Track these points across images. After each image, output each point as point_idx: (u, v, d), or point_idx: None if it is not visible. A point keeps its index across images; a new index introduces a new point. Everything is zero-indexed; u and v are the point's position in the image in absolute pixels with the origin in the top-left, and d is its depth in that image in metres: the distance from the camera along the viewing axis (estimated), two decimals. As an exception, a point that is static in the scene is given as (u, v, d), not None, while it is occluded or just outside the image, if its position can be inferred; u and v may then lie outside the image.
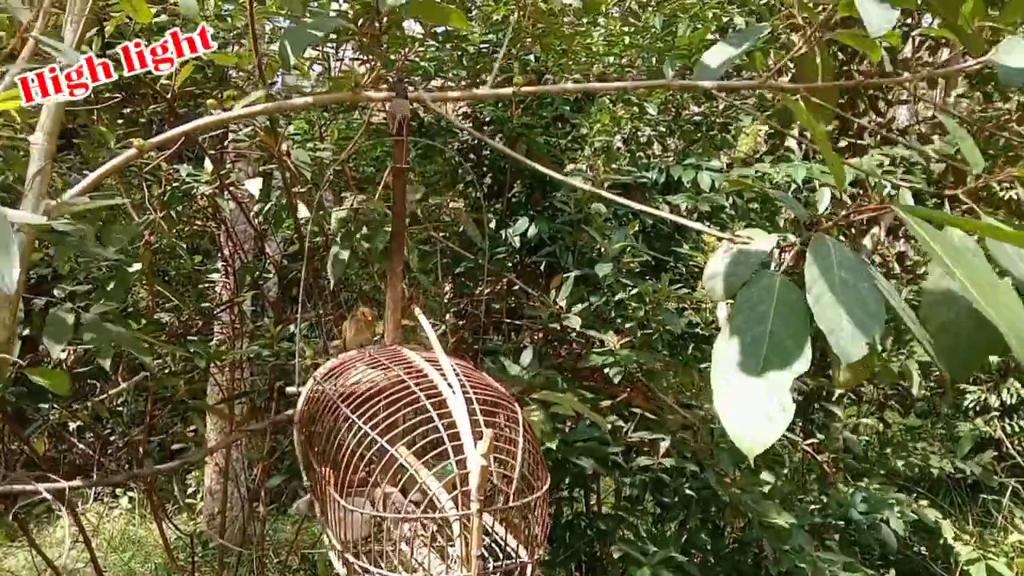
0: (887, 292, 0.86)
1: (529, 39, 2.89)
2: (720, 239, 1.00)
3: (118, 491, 4.84)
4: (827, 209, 2.80)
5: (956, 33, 1.15)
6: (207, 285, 3.25)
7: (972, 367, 0.93)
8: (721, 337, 0.89)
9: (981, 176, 1.10)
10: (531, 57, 3.00)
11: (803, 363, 0.84)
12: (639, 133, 3.47)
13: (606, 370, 2.46)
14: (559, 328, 2.58)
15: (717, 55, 1.29)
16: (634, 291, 2.59)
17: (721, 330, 0.90)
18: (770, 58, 2.93)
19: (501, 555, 1.18)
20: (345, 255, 2.20)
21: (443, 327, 2.92)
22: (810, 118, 0.94)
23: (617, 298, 2.64)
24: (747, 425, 0.83)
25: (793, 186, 2.92)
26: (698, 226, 1.13)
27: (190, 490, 4.65)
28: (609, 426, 2.41)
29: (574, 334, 2.71)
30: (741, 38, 1.32)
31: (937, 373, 4.62)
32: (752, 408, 0.83)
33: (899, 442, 3.96)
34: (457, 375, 1.24)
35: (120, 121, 2.62)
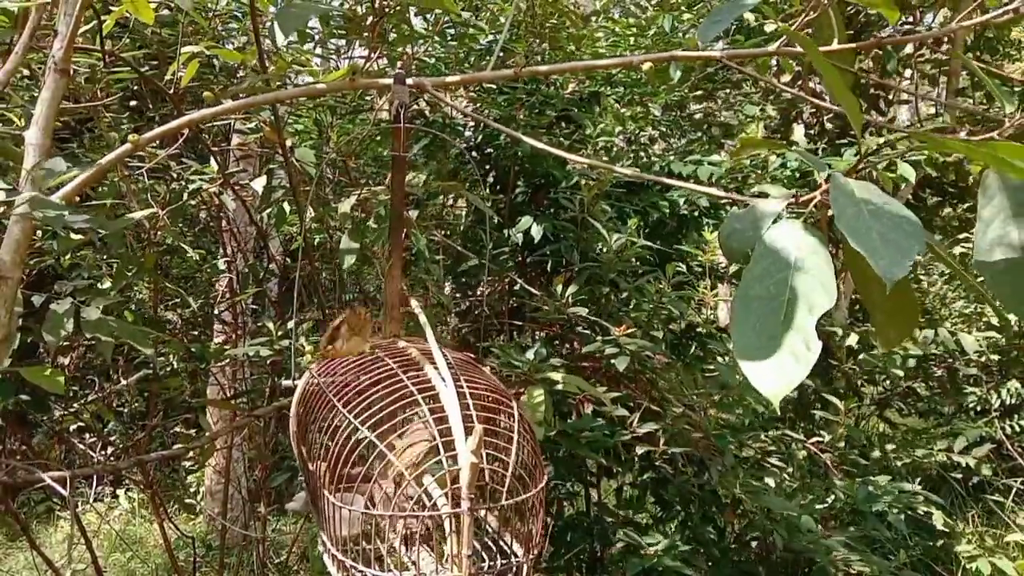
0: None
1: (535, 37, 2.88)
2: (737, 201, 0.97)
3: (119, 491, 4.84)
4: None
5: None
6: (211, 283, 3.25)
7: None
8: (741, 286, 0.86)
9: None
10: (537, 57, 2.99)
11: (828, 301, 0.81)
12: (641, 133, 3.47)
13: (612, 361, 2.44)
14: (564, 318, 2.57)
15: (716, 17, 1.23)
16: (637, 282, 2.58)
17: (740, 281, 0.87)
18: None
19: (497, 553, 1.16)
20: (355, 245, 2.18)
21: (445, 328, 2.91)
22: (826, 64, 0.91)
23: (622, 295, 2.63)
24: (769, 368, 0.80)
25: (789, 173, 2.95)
26: (713, 191, 1.09)
27: (191, 490, 4.64)
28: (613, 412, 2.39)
29: (577, 331, 2.70)
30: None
31: (938, 374, 4.59)
32: (775, 352, 0.81)
33: (901, 441, 3.94)
34: (452, 369, 1.22)
35: (125, 119, 2.61)
